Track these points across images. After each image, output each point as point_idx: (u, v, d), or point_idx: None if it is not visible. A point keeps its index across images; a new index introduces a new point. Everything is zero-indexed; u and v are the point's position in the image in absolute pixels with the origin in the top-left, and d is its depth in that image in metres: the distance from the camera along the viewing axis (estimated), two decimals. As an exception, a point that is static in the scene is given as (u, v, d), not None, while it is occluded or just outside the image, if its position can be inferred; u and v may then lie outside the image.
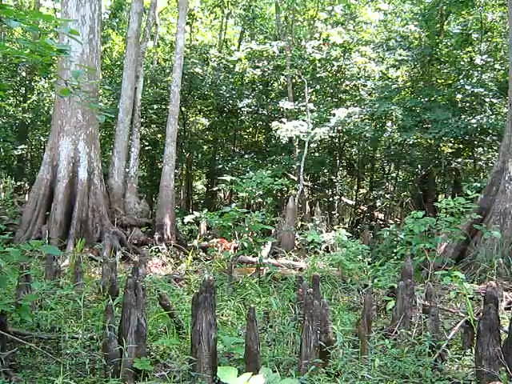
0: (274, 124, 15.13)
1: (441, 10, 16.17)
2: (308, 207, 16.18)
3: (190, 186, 22.60)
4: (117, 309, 5.71)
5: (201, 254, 11.28)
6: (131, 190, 13.19)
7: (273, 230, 12.40)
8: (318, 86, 18.48)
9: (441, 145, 16.59)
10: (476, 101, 15.79)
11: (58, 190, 11.30)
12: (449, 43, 16.45)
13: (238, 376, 3.78)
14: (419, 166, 18.42)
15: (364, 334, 4.75)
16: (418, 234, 8.07)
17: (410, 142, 17.22)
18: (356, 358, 4.59)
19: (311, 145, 16.61)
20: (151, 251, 11.00)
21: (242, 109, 19.82)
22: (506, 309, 6.60)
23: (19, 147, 18.70)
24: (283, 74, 18.23)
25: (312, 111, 15.66)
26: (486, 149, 16.98)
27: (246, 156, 21.15)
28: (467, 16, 16.36)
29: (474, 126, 14.19)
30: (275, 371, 4.16)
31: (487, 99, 15.29)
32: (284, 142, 16.82)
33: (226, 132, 21.68)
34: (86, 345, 4.96)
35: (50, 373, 4.40)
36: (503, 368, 4.14)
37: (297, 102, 16.73)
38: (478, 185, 12.12)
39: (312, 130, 14.56)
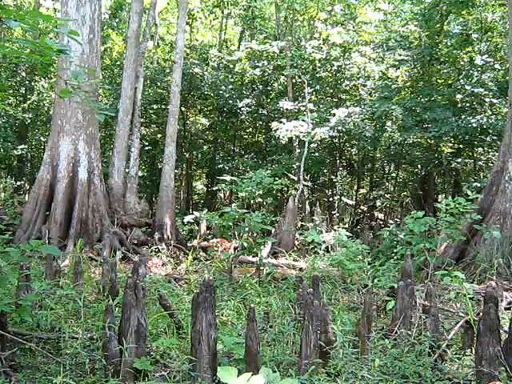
0: (274, 124, 15.12)
1: (441, 9, 16.17)
2: (308, 207, 16.16)
3: (190, 186, 22.59)
4: (117, 309, 5.71)
5: (201, 254, 11.29)
6: (131, 190, 13.19)
7: (273, 230, 12.39)
8: (317, 86, 18.47)
9: (441, 145, 16.59)
10: (476, 101, 15.79)
11: (58, 190, 11.31)
12: (449, 43, 16.45)
13: (237, 376, 3.78)
14: (419, 166, 18.44)
15: (364, 333, 4.75)
16: (418, 234, 8.07)
17: (410, 142, 17.23)
18: (356, 358, 4.59)
19: (311, 145, 16.60)
20: (151, 251, 11.02)
21: (242, 109, 19.80)
22: (506, 309, 6.60)
23: (19, 147, 18.68)
24: (283, 74, 18.21)
25: (312, 111, 15.64)
26: (486, 149, 16.97)
27: (246, 156, 21.16)
28: (467, 16, 16.36)
29: (474, 125, 14.18)
30: (275, 371, 4.16)
31: (487, 99, 15.29)
32: (284, 142, 16.83)
33: (226, 132, 21.67)
34: (85, 345, 4.95)
35: (50, 373, 4.40)
36: (503, 368, 4.15)
37: (297, 102, 16.71)
38: (478, 185, 12.12)
39: (312, 130, 14.56)
